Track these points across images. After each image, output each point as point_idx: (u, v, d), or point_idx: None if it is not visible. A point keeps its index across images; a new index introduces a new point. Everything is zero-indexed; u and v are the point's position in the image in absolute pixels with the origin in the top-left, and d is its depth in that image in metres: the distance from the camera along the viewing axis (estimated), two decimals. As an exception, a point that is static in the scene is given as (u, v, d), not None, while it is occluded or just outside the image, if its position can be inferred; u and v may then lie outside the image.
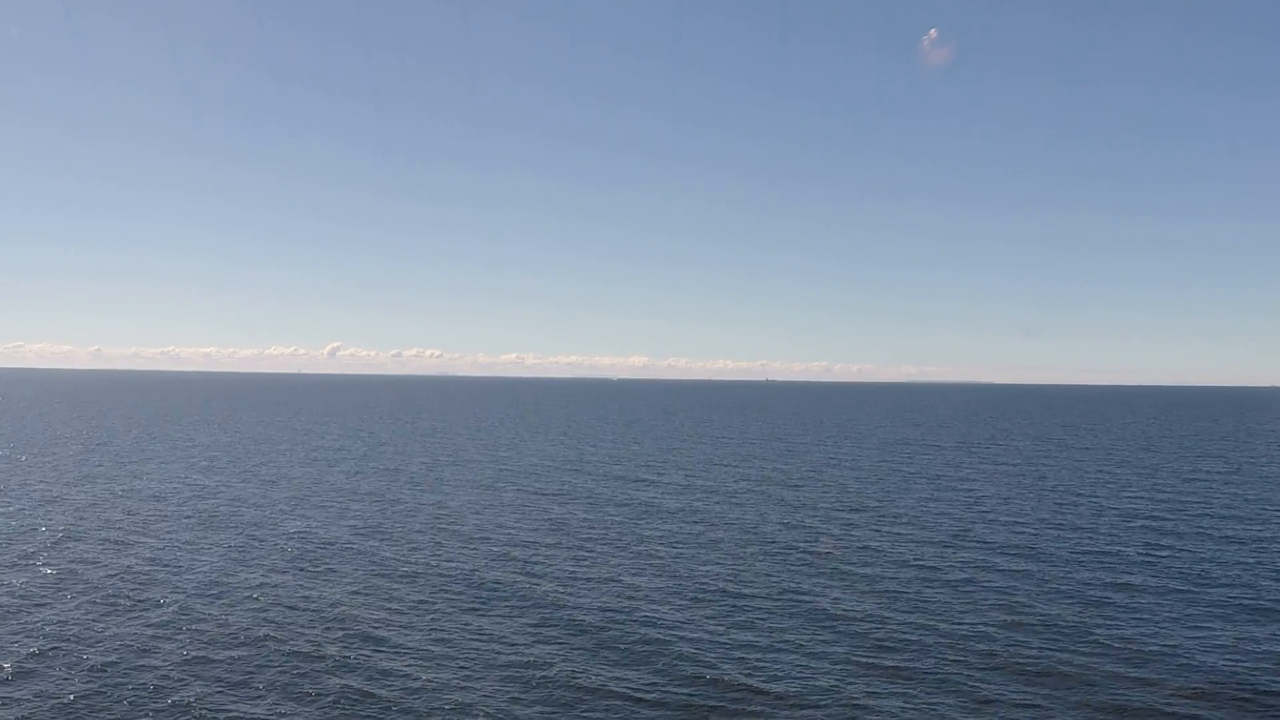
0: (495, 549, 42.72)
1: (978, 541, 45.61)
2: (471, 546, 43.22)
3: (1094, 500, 60.27)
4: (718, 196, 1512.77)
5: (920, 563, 40.66)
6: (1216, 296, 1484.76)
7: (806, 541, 45.39)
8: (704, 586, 36.09)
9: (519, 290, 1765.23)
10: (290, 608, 32.28)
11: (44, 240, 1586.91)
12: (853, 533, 47.81)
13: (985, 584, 36.83)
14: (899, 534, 47.58)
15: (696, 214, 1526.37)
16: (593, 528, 48.49)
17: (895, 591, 35.51)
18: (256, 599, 33.33)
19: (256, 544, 43.01)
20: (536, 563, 39.91)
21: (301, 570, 38.00)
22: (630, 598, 34.28)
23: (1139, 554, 42.68)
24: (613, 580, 36.87)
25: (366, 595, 34.22)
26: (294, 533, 45.92)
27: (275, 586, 35.23)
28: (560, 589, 35.42)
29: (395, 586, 35.52)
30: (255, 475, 68.78)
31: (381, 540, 44.39)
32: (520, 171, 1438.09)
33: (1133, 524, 50.89)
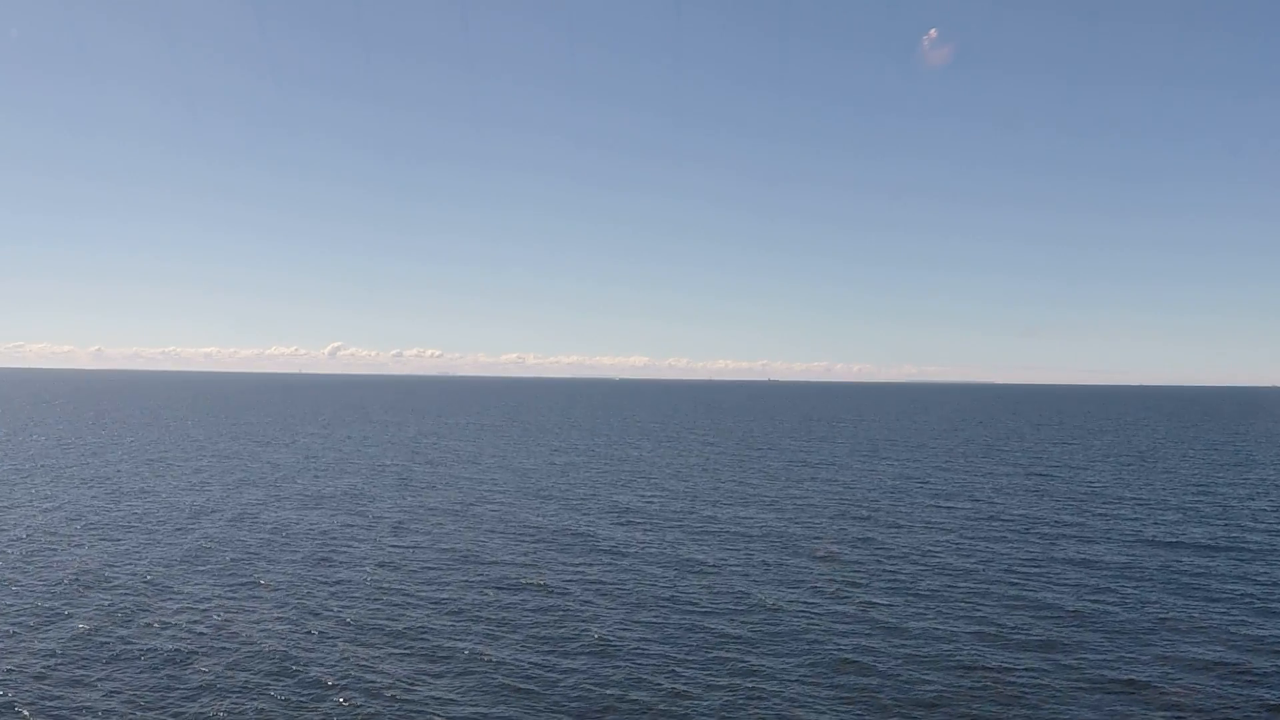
0: (432, 631, 33.33)
1: (1057, 601, 36.27)
2: (402, 613, 33.85)
3: (1168, 525, 50.88)
4: (718, 196, 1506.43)
5: (1018, 638, 31.33)
6: (1216, 296, 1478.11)
7: (848, 608, 36.04)
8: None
9: (519, 290, 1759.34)
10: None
11: (44, 240, 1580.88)
12: (902, 588, 38.43)
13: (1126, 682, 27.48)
14: (967, 600, 38.17)
15: (696, 214, 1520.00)
16: (571, 586, 39.03)
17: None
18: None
19: (73, 593, 33.69)
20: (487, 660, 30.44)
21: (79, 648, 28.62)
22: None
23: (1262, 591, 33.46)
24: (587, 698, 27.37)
25: (209, 686, 24.84)
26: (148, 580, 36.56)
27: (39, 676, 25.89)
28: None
29: (266, 677, 26.15)
30: (162, 495, 59.39)
31: (275, 606, 34.96)
32: (520, 171, 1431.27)
33: (1246, 562, 41.56)
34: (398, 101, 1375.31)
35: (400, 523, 49.73)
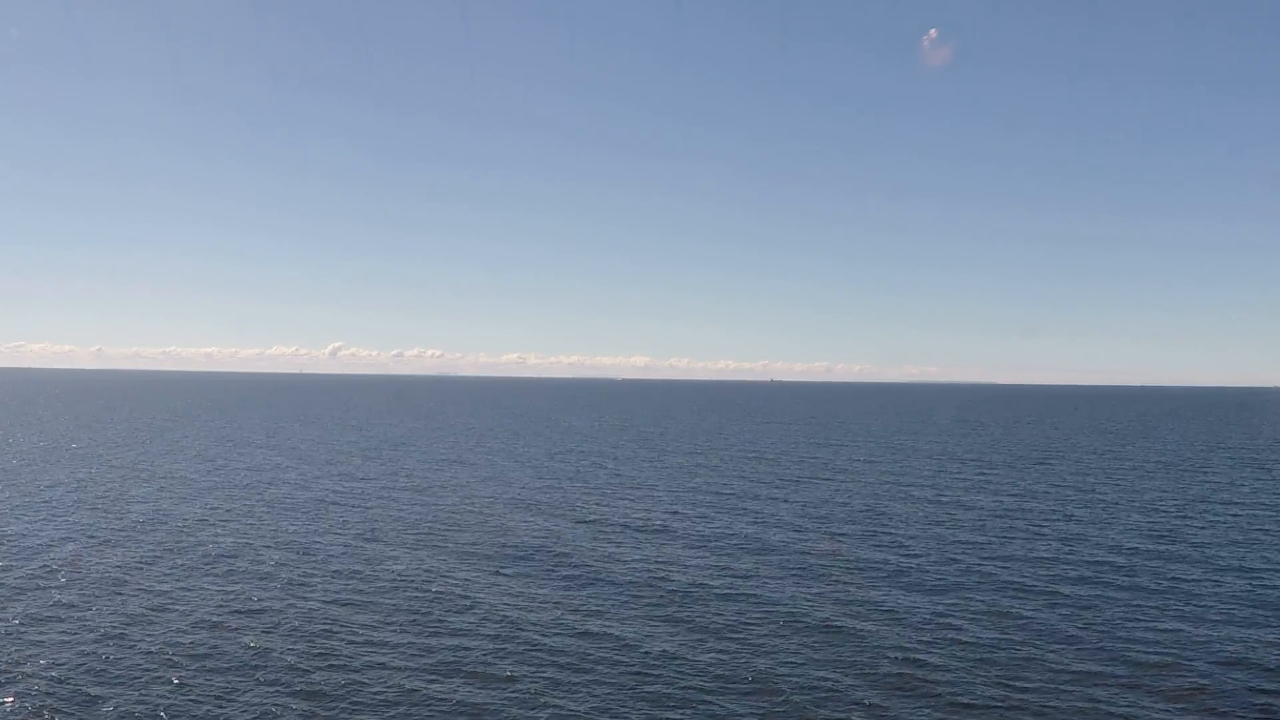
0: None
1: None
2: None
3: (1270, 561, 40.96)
4: (718, 196, 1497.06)
5: None
6: (1216, 296, 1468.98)
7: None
8: None
9: (520, 290, 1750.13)
10: None
11: (44, 240, 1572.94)
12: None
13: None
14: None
15: (697, 214, 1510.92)
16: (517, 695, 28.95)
17: None
18: None
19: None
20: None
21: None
22: None
23: None
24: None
25: None
26: None
27: None
28: None
29: None
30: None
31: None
32: (520, 171, 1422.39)
33: None
34: (398, 101, 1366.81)
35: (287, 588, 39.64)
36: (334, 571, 38.13)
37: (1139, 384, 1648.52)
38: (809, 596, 35.13)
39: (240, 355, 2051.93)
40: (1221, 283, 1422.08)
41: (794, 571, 39.37)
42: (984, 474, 78.64)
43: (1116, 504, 60.50)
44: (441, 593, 34.97)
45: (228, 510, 53.34)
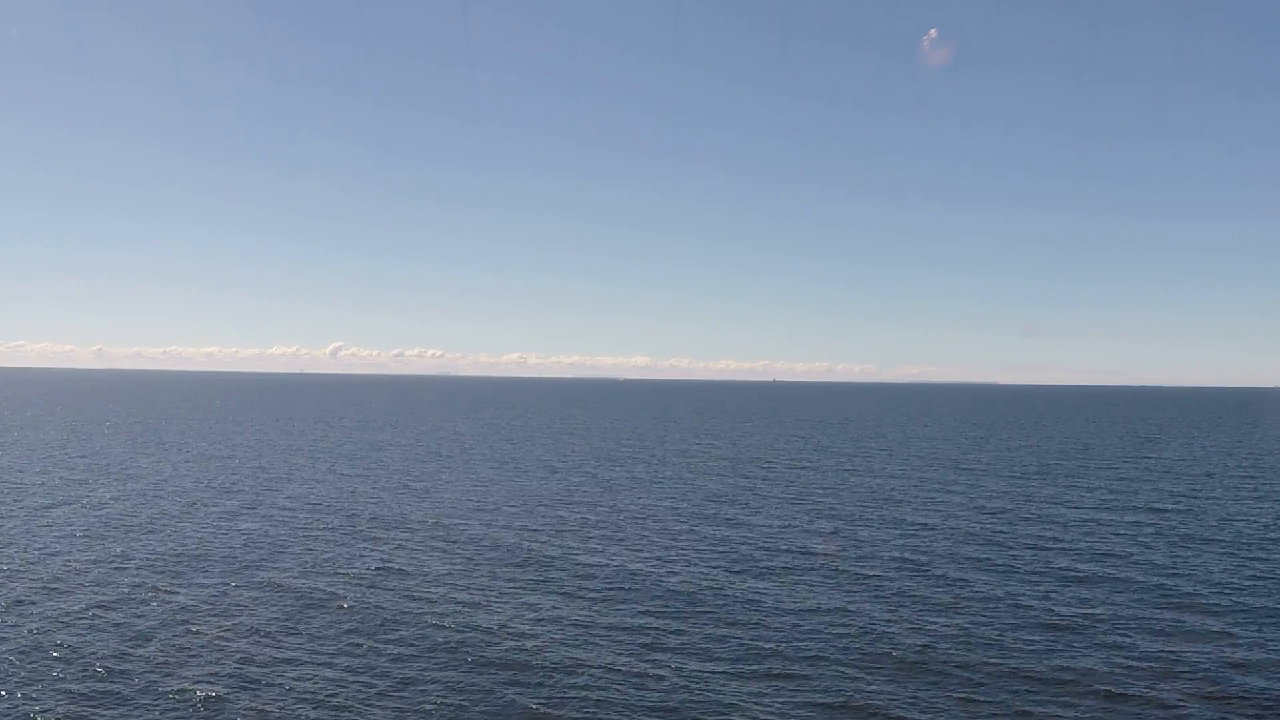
0: None
1: None
2: None
3: None
4: (718, 196, 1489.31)
5: None
6: (1216, 296, 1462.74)
7: None
8: None
9: (521, 290, 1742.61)
10: None
11: (45, 240, 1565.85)
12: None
13: None
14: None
15: (697, 214, 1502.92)
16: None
17: None
18: None
19: None
20: None
21: None
22: None
23: None
24: None
25: None
26: None
27: None
28: None
29: None
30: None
31: None
32: (520, 171, 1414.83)
33: None
34: (398, 101, 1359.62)
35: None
36: (225, 642, 29.49)
37: (1139, 384, 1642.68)
38: (854, 688, 26.52)
39: (241, 355, 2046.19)
40: (1221, 283, 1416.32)
41: (833, 645, 30.75)
42: (1022, 488, 69.97)
43: (1186, 530, 51.79)
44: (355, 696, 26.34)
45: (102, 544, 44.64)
